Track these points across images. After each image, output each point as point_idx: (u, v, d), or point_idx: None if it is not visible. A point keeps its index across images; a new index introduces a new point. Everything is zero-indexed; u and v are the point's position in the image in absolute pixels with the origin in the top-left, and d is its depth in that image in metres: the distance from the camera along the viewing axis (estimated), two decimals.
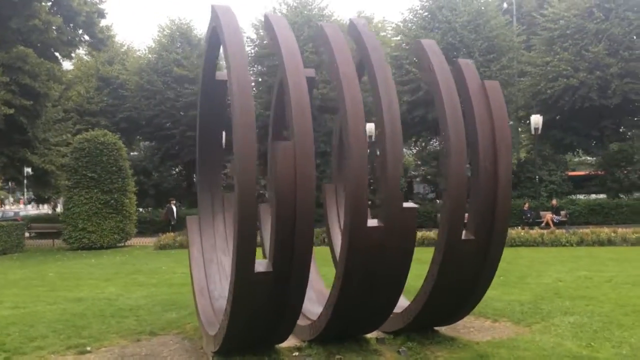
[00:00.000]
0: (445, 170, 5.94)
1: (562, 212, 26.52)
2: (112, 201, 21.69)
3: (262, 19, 31.78)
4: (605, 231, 19.02)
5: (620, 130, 30.42)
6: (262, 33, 32.45)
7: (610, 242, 18.48)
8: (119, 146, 22.25)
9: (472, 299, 6.67)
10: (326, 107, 30.36)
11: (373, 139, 20.15)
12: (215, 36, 7.47)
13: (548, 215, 25.68)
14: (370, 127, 20.87)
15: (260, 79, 32.71)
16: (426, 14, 30.99)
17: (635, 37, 28.13)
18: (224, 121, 8.98)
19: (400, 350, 6.54)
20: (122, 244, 22.67)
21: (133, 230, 23.01)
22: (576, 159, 37.70)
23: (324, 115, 30.56)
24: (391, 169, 5.61)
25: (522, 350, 6.45)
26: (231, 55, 5.47)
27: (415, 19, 31.58)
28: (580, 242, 18.65)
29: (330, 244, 9.09)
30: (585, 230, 19.28)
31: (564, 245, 18.58)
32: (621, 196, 29.29)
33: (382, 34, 43.66)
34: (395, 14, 48.23)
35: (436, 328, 7.30)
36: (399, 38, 31.87)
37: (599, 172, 30.60)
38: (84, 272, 14.89)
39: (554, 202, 27.07)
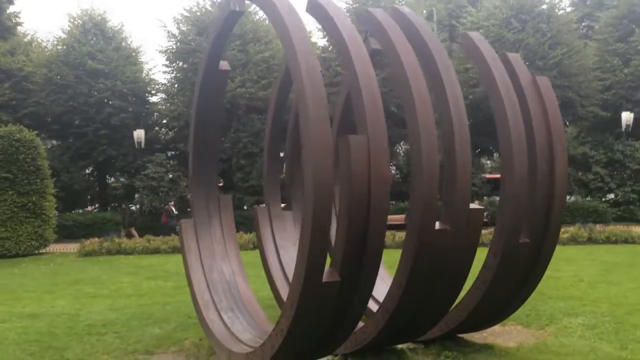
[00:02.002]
0: (505, 173, 5.64)
1: (484, 214, 27.46)
2: (30, 204, 19.67)
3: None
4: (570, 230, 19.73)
5: None
6: (183, 28, 31.08)
7: (574, 241, 19.13)
8: (36, 144, 20.23)
9: (515, 304, 6.45)
10: (253, 107, 29.57)
11: None
12: (231, 20, 6.80)
13: None
14: None
15: (179, 75, 31.24)
16: (354, 17, 31.04)
17: (547, 48, 29.75)
18: (222, 116, 8.25)
19: None
20: (41, 251, 20.62)
21: (52, 236, 21.02)
22: (488, 162, 39.44)
23: (251, 115, 29.74)
24: (460, 170, 5.24)
25: (565, 356, 6.29)
26: (296, 41, 4.84)
27: None
28: None
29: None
30: None
31: None
32: None
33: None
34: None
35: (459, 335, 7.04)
36: (326, 39, 31.66)
37: None
38: (13, 284, 13.26)
39: (477, 202, 28.03)
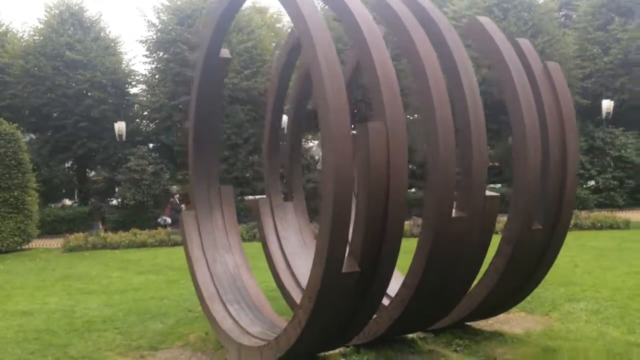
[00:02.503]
0: (519, 160, 5.57)
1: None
2: (12, 199, 19.18)
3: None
4: None
5: None
6: (164, 18, 30.54)
7: None
8: (17, 137, 19.71)
9: (526, 291, 6.44)
10: (236, 98, 29.24)
11: None
12: (233, 6, 6.64)
13: None
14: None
15: (160, 66, 30.71)
16: (323, 4, 30.79)
17: (529, 37, 29.88)
18: (221, 104, 8.07)
19: (457, 348, 6.15)
20: (24, 247, 20.18)
21: (35, 231, 20.56)
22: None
23: (235, 106, 29.39)
24: (477, 157, 5.19)
25: (576, 342, 6.31)
26: (313, 32, 4.71)
27: (323, 11, 31.28)
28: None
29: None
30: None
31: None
32: None
33: (278, 25, 43.13)
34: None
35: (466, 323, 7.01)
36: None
37: (496, 164, 32.37)
38: (0, 281, 12.93)
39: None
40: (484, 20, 6.00)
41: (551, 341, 6.32)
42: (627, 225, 18.95)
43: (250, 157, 30.90)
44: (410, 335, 6.54)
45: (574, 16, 36.72)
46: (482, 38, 5.87)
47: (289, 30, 32.38)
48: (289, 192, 8.33)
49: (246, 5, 31.34)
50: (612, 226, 19.03)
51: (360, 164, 4.70)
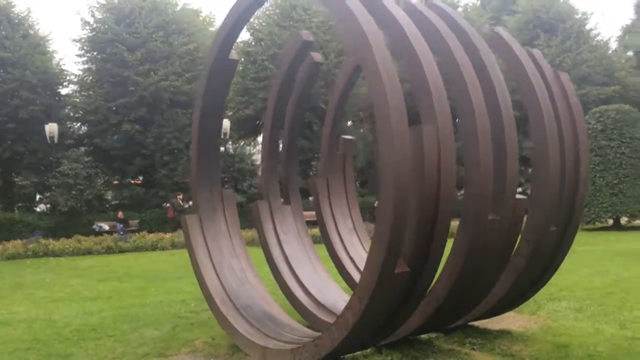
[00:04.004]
0: (539, 165, 5.85)
1: None
2: None
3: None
4: None
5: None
6: (99, 16, 29.41)
7: None
8: None
9: (535, 290, 6.76)
10: (178, 101, 28.62)
11: None
12: (253, 7, 6.60)
13: None
14: None
15: (95, 66, 29.56)
16: (278, 11, 30.92)
17: None
18: (224, 107, 7.95)
19: (474, 347, 6.36)
20: None
21: None
22: None
23: (175, 110, 28.74)
24: (510, 162, 5.44)
25: (577, 337, 6.67)
26: (370, 35, 4.77)
27: (265, 17, 31.28)
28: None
29: (327, 241, 8.47)
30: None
31: None
32: None
33: (212, 29, 42.49)
34: None
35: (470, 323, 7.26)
36: (250, 33, 31.26)
37: None
38: None
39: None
40: (503, 32, 6.29)
41: (556, 338, 6.65)
42: None
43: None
44: (423, 336, 6.69)
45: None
46: (505, 48, 6.14)
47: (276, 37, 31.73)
48: (286, 196, 8.30)
49: (181, 5, 30.82)
50: None
51: (414, 167, 4.79)
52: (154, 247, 19.28)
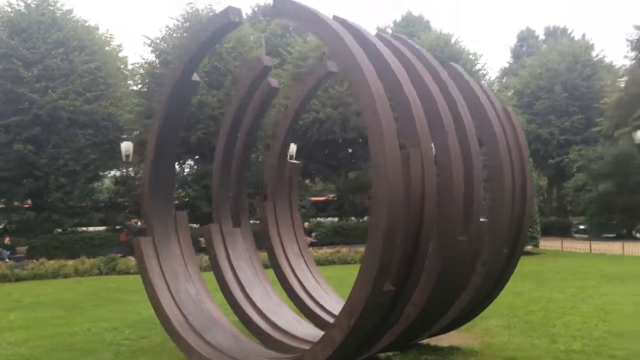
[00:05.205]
0: (496, 193, 6.32)
1: (313, 234, 28.90)
2: None
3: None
4: None
5: (353, 161, 34.48)
6: None
7: None
8: None
9: (485, 306, 7.24)
10: (77, 121, 27.22)
11: None
12: (223, 31, 6.66)
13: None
14: None
15: None
16: (186, 34, 30.52)
17: None
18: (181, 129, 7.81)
19: None
20: None
21: None
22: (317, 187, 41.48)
23: (74, 130, 27.29)
24: (476, 188, 5.88)
25: (519, 351, 7.21)
26: (361, 64, 5.03)
27: (172, 39, 30.76)
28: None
29: (276, 265, 8.52)
30: (360, 249, 21.56)
31: (350, 263, 20.41)
32: (352, 219, 33.42)
33: (107, 48, 40.97)
34: (150, 30, 45.49)
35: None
36: (155, 55, 30.52)
37: (335, 198, 34.34)
38: None
39: (307, 224, 29.25)
40: (458, 67, 6.81)
41: (502, 352, 7.14)
42: None
43: (89, 185, 28.86)
44: (381, 355, 6.91)
45: None
46: (460, 82, 6.64)
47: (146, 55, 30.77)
48: (236, 218, 8.27)
49: (82, 22, 29.50)
50: None
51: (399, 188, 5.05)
52: (55, 275, 18.05)
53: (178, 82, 6.88)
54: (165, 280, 6.97)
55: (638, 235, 30.17)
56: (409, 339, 6.53)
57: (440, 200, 5.59)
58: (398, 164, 4.86)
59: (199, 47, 6.67)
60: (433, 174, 5.24)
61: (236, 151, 8.34)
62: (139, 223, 25.12)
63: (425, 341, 7.56)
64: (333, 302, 8.27)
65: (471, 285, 6.54)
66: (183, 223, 7.53)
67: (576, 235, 31.74)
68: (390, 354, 7.02)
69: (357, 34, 5.61)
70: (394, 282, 5.12)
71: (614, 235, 30.85)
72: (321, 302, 8.27)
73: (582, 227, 34.11)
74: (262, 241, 8.72)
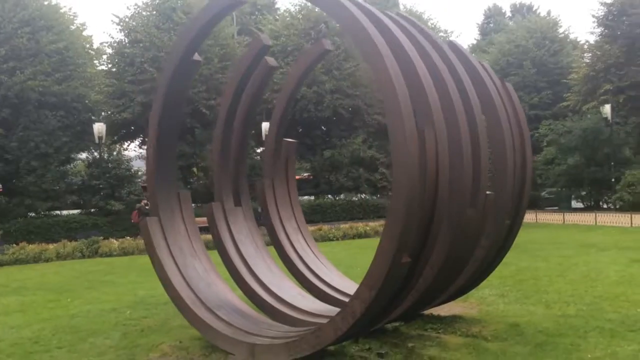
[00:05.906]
0: (500, 167, 6.53)
1: None
2: None
3: None
4: (360, 225, 21.85)
5: (327, 139, 34.57)
6: None
7: (365, 235, 21.30)
8: None
9: (485, 276, 7.50)
10: (46, 103, 26.58)
11: None
12: (226, 11, 6.68)
13: None
14: None
15: None
16: (155, 12, 29.96)
17: (342, 60, 32.59)
18: (183, 109, 7.78)
19: (439, 331, 6.92)
20: None
21: None
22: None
23: (44, 111, 26.65)
24: (483, 163, 6.06)
25: (519, 317, 7.51)
26: (379, 45, 5.12)
27: (142, 17, 30.14)
28: (344, 236, 21.05)
29: (276, 241, 8.62)
30: (345, 226, 21.85)
31: (332, 240, 20.64)
32: (329, 197, 33.64)
33: (72, 27, 39.85)
34: (119, 8, 44.53)
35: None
36: (124, 34, 29.87)
37: (311, 176, 34.46)
38: None
39: None
40: (460, 44, 6.95)
41: (505, 318, 7.44)
42: None
43: (61, 168, 28.33)
44: (388, 326, 7.12)
45: None
46: (462, 57, 6.78)
47: (116, 34, 30.04)
48: (236, 196, 8.32)
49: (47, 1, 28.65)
50: None
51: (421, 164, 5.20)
52: (36, 259, 17.81)
53: (180, 63, 6.87)
54: (173, 258, 7.03)
55: (605, 206, 31.16)
56: (415, 309, 6.74)
57: (450, 175, 5.77)
58: (416, 144, 5.00)
59: (198, 29, 6.67)
60: (446, 153, 5.40)
61: (235, 131, 8.37)
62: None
63: (427, 312, 7.82)
64: (332, 275, 8.44)
65: (476, 257, 6.78)
66: (187, 202, 7.57)
67: (547, 208, 32.54)
68: (396, 324, 7.25)
69: (368, 12, 5.69)
70: (410, 255, 5.30)
71: (583, 206, 31.83)
72: (321, 275, 8.42)
73: (547, 196, 34.96)
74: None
